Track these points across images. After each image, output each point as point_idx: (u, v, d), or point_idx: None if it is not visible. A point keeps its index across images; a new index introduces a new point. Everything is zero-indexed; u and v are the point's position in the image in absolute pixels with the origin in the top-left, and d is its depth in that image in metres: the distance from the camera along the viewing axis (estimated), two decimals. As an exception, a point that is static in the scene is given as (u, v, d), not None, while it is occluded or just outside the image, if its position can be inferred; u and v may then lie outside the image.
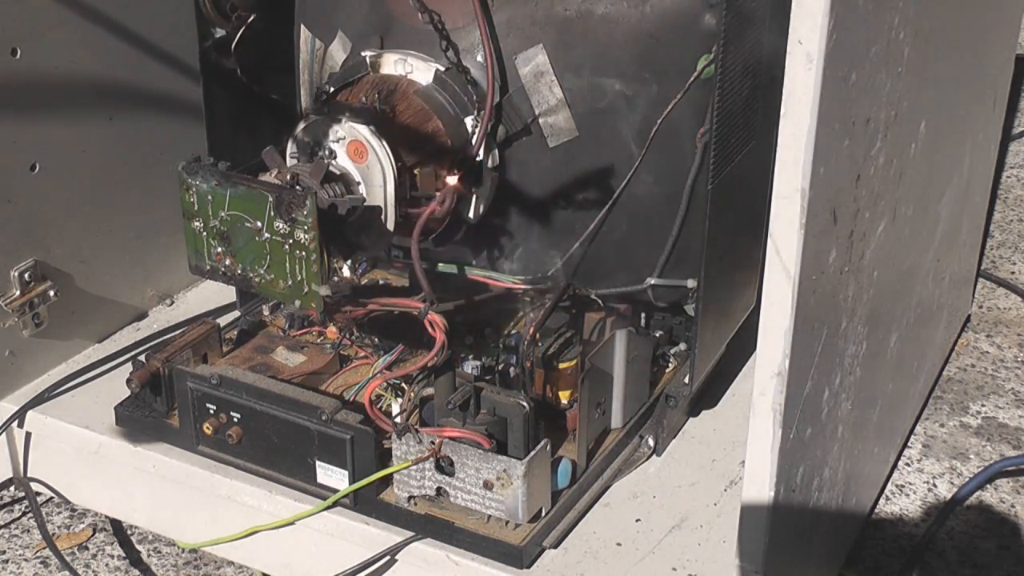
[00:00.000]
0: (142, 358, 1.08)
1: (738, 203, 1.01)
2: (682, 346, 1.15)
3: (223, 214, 0.93)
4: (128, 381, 1.07)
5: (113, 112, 1.19)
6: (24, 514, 1.19)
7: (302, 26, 1.11)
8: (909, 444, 1.28)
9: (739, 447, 1.06)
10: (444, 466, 0.95)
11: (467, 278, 1.05)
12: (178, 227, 0.97)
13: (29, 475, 1.15)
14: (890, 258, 0.99)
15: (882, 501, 1.20)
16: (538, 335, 1.02)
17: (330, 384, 1.10)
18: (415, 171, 0.98)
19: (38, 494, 1.15)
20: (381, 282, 1.23)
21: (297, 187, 0.90)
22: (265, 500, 1.03)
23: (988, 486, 1.22)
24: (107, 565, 1.14)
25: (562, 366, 1.03)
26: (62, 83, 1.13)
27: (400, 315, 1.01)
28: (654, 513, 1.03)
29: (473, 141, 0.99)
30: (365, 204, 0.94)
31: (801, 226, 0.75)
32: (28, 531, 1.18)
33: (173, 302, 1.31)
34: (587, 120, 1.00)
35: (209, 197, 0.93)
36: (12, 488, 1.18)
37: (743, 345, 1.11)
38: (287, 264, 0.92)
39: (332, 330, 1.15)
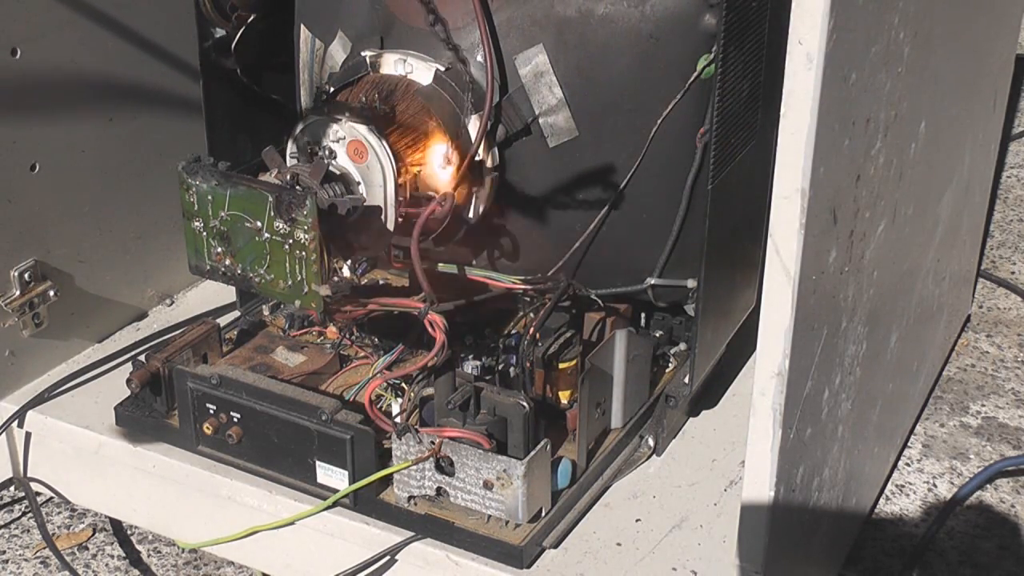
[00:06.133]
0: (142, 358, 1.08)
1: (738, 203, 1.01)
2: (682, 346, 1.15)
3: (223, 214, 0.93)
4: (128, 381, 1.07)
5: (113, 112, 1.19)
6: (24, 514, 1.19)
7: (302, 26, 1.11)
8: (909, 444, 1.28)
9: (739, 447, 1.06)
10: (444, 466, 0.95)
11: (467, 278, 1.05)
12: (178, 227, 0.97)
13: (29, 475, 1.15)
14: (890, 258, 0.99)
15: (882, 501, 1.20)
16: (538, 335, 1.02)
17: (330, 384, 1.10)
18: (415, 171, 0.98)
19: (38, 494, 1.15)
20: (381, 282, 1.23)
21: (297, 187, 0.90)
22: (265, 500, 1.03)
23: (988, 486, 1.22)
24: (107, 565, 1.14)
25: (562, 366, 1.03)
26: (62, 83, 1.13)
27: (400, 315, 1.01)
28: (654, 513, 1.03)
29: (473, 141, 0.99)
30: (365, 204, 0.95)
31: (801, 226, 0.75)
32: (28, 531, 1.18)
33: (173, 302, 1.31)
34: (587, 120, 1.00)
35: (209, 197, 0.93)
36: (12, 488, 1.18)
37: (743, 345, 1.11)
38: (287, 264, 0.92)
39: (332, 330, 1.15)
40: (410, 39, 1.01)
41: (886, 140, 0.89)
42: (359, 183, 0.95)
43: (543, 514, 0.97)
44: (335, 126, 0.94)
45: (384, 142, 0.94)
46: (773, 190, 0.76)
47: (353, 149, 0.94)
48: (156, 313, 1.29)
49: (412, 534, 0.98)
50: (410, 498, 0.98)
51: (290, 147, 0.98)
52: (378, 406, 1.04)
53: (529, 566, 0.96)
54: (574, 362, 1.04)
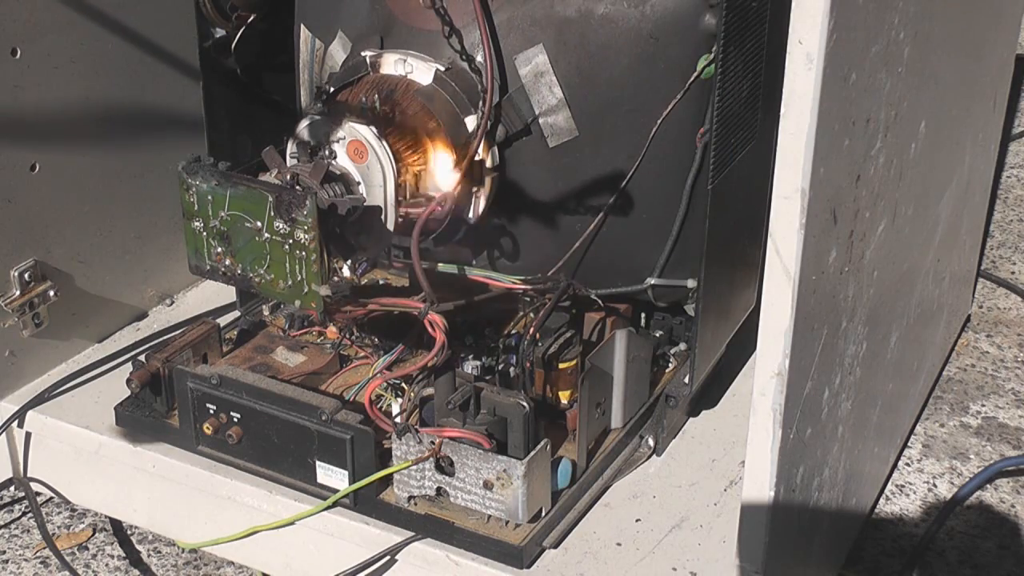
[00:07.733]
0: (142, 358, 1.08)
1: (738, 203, 1.01)
2: (682, 346, 1.15)
3: (223, 214, 0.93)
4: (128, 381, 1.07)
5: (113, 112, 1.19)
6: (24, 514, 1.19)
7: (302, 26, 1.11)
8: (909, 444, 1.28)
9: (739, 447, 1.06)
10: (444, 466, 0.95)
11: (467, 278, 1.05)
12: (178, 227, 0.97)
13: (29, 475, 1.15)
14: (890, 258, 0.99)
15: (882, 501, 1.20)
16: (538, 335, 1.02)
17: (330, 384, 1.10)
18: (415, 171, 0.98)
19: (38, 494, 1.15)
20: (381, 282, 1.23)
21: (297, 187, 0.90)
22: (265, 500, 1.03)
23: (988, 486, 1.22)
24: (107, 565, 1.14)
25: (562, 366, 1.03)
26: (62, 83, 1.13)
27: (400, 315, 1.01)
28: (654, 513, 1.03)
29: (473, 141, 0.99)
30: (365, 204, 0.95)
31: (801, 226, 0.75)
32: (28, 531, 1.18)
33: (173, 302, 1.31)
34: (587, 120, 1.00)
35: (209, 197, 0.93)
36: (12, 488, 1.18)
37: (743, 345, 1.11)
38: (287, 264, 0.92)
39: (332, 330, 1.15)
40: (410, 39, 1.01)
41: (886, 140, 0.89)
42: (359, 183, 0.95)
43: (543, 514, 0.97)
44: (335, 126, 0.94)
45: (384, 142, 0.94)
46: (773, 190, 0.76)
47: (353, 149, 0.94)
48: (156, 313, 1.29)
49: (412, 534, 0.98)
50: (410, 498, 0.98)
51: (290, 147, 0.98)
52: (378, 406, 1.04)
53: (529, 566, 0.96)
54: (574, 362, 1.04)
